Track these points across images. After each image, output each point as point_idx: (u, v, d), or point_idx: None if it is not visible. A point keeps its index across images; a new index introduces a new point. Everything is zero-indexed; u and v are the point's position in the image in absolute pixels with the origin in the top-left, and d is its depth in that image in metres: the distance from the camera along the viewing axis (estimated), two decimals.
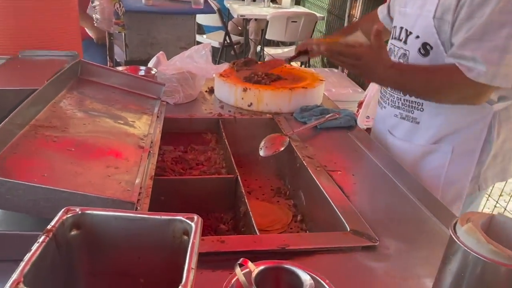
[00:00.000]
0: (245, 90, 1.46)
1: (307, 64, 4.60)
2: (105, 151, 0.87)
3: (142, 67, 1.71)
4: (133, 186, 0.77)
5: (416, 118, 1.23)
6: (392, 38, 1.29)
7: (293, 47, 4.84)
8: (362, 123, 2.83)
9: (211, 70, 1.43)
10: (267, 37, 4.39)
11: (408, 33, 1.20)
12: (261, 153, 1.17)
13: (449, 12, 1.06)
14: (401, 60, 1.24)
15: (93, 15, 2.34)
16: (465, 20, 1.03)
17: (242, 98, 1.47)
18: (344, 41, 1.18)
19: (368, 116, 2.78)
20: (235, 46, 5.32)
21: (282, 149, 1.18)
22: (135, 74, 1.66)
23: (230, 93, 1.49)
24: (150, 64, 1.88)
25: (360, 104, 2.88)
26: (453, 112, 1.16)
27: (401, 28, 1.23)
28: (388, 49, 1.30)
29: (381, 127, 1.38)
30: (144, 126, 1.05)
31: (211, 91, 1.65)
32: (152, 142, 1.00)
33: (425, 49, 1.14)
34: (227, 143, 1.22)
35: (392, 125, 1.31)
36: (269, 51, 4.55)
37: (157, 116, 1.17)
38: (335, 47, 1.18)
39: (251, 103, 1.46)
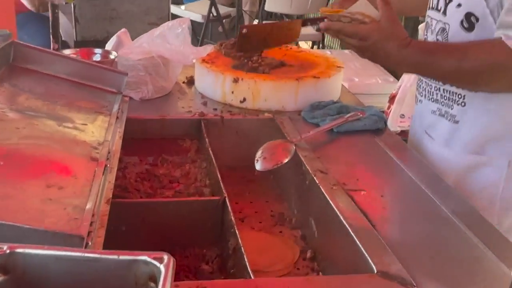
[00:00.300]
0: (236, 80, 1.46)
1: (320, 45, 4.63)
2: (45, 165, 0.87)
3: (98, 50, 1.70)
4: (82, 213, 0.77)
5: (455, 115, 1.24)
6: (429, 8, 1.29)
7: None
8: (395, 123, 2.85)
9: (190, 55, 1.44)
10: (266, 8, 4.43)
11: (447, 1, 1.21)
12: (258, 166, 1.17)
13: None
14: (439, 38, 1.24)
15: None
16: None
17: (232, 92, 1.47)
18: (348, 13, 1.17)
19: (403, 115, 2.80)
20: (224, 21, 5.37)
21: (286, 161, 1.18)
22: (88, 59, 1.66)
23: (216, 85, 1.50)
24: (108, 46, 1.88)
25: (392, 99, 2.89)
26: (507, 106, 1.16)
27: None
28: (425, 23, 1.32)
29: (418, 128, 1.39)
30: (99, 131, 1.05)
31: (190, 82, 1.65)
32: (109, 153, 1.00)
33: (469, 21, 1.14)
34: (211, 153, 1.22)
35: (429, 124, 1.32)
36: None
37: (117, 117, 1.17)
38: (335, 25, 1.18)
39: (244, 99, 1.46)
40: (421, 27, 2.98)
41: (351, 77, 3.13)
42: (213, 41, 5.51)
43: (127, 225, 1.00)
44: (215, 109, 1.45)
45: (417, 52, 1.14)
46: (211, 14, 4.86)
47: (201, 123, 1.36)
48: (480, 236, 0.97)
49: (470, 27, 1.14)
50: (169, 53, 1.44)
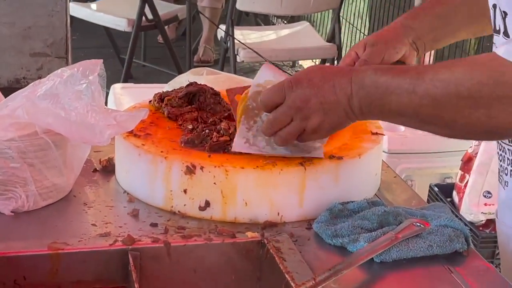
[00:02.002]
0: (190, 170, 1.43)
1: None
2: None
3: None
4: None
5: None
6: (493, 31, 1.40)
7: (300, 27, 4.90)
8: (475, 207, 2.82)
9: (105, 129, 1.39)
10: (239, 6, 4.44)
11: (503, 14, 1.32)
12: None
13: None
14: None
15: None
16: None
17: (185, 191, 1.44)
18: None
19: (489, 192, 2.78)
20: (167, 27, 5.36)
21: None
22: None
23: (155, 179, 1.48)
24: None
25: (467, 163, 2.88)
26: None
27: (494, 7, 1.36)
28: None
29: (509, 229, 1.49)
30: None
31: (107, 168, 1.63)
32: None
33: None
34: None
35: None
36: (247, 37, 4.59)
37: None
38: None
39: (207, 203, 1.44)
40: None
41: (388, 124, 3.13)
42: (148, 62, 5.52)
43: None
44: (154, 226, 1.41)
45: (400, 79, 1.30)
46: (143, 17, 4.86)
47: (129, 257, 1.31)
48: None
49: None
50: (66, 126, 1.39)
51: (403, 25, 1.64)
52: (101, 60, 1.47)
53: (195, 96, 1.64)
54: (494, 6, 1.35)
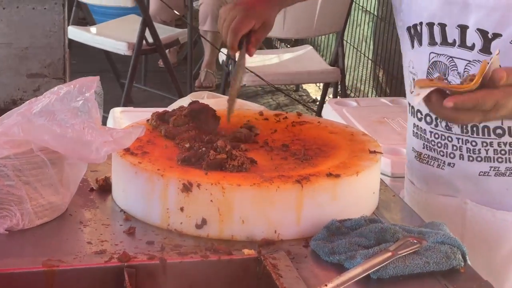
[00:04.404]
0: (187, 188, 1.45)
1: (339, 89, 4.66)
2: None
3: None
4: None
5: None
6: (435, 44, 1.61)
7: (303, 50, 4.94)
8: None
9: (101, 146, 1.40)
10: None
11: (490, 36, 1.55)
12: None
13: None
14: None
15: None
16: None
17: (182, 209, 1.45)
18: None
19: None
20: (168, 51, 5.38)
21: None
22: None
23: (151, 197, 1.49)
24: None
25: None
26: None
27: (461, 27, 1.57)
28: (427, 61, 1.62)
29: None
30: None
31: (104, 187, 1.64)
32: None
33: None
34: None
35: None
36: (249, 60, 4.56)
37: None
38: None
39: (203, 221, 1.45)
40: None
41: (394, 147, 3.14)
42: (148, 86, 5.54)
43: None
44: (150, 244, 1.42)
45: None
46: (143, 41, 4.89)
47: (124, 274, 1.32)
48: None
49: None
50: (62, 143, 1.40)
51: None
52: (98, 77, 1.48)
53: (195, 115, 1.67)
54: (461, 26, 1.60)
